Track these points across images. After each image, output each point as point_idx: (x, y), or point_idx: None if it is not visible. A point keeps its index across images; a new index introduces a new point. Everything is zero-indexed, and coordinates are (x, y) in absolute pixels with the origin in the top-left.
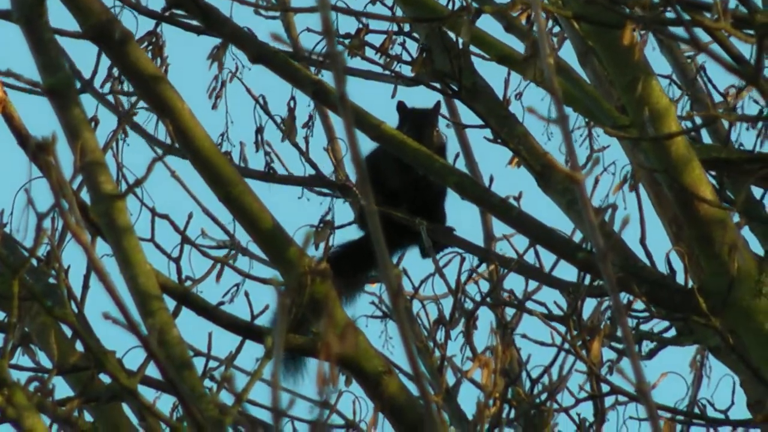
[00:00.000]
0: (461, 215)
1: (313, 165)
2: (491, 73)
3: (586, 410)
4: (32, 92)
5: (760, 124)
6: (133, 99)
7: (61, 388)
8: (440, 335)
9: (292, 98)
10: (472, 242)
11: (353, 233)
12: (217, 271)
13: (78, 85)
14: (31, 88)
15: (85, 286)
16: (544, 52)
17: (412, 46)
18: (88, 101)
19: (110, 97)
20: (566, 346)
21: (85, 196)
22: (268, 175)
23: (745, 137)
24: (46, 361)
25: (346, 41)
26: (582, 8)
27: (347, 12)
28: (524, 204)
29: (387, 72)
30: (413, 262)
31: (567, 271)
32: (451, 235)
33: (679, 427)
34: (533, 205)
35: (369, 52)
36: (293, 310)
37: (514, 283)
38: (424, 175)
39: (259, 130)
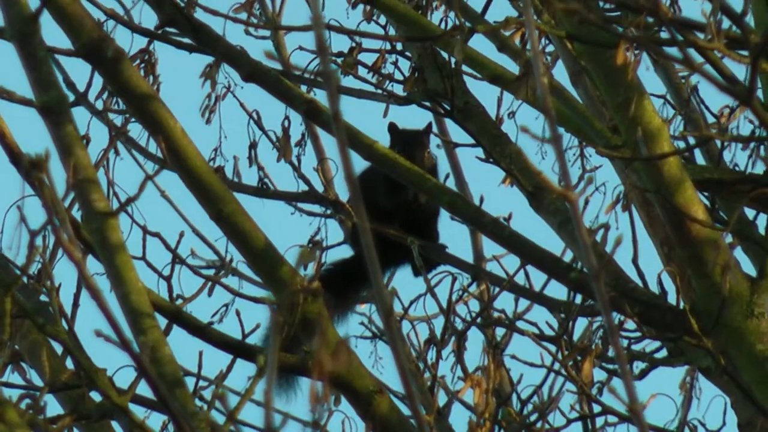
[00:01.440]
0: (451, 235)
1: (306, 181)
2: (484, 92)
3: (577, 431)
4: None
5: (752, 145)
6: (126, 116)
7: (52, 406)
8: (431, 355)
9: (287, 117)
10: (464, 260)
11: (344, 252)
12: (207, 290)
13: (72, 97)
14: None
15: (76, 304)
16: (538, 72)
17: (405, 65)
18: (80, 115)
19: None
20: (557, 366)
21: (75, 213)
22: (261, 191)
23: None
24: (36, 379)
25: (339, 59)
26: (575, 28)
27: (340, 30)
28: (514, 224)
29: (379, 91)
30: (403, 282)
31: (557, 291)
32: (443, 253)
33: None
34: (523, 224)
35: (361, 71)
36: (285, 328)
37: (505, 302)
38: (416, 195)
39: (253, 146)
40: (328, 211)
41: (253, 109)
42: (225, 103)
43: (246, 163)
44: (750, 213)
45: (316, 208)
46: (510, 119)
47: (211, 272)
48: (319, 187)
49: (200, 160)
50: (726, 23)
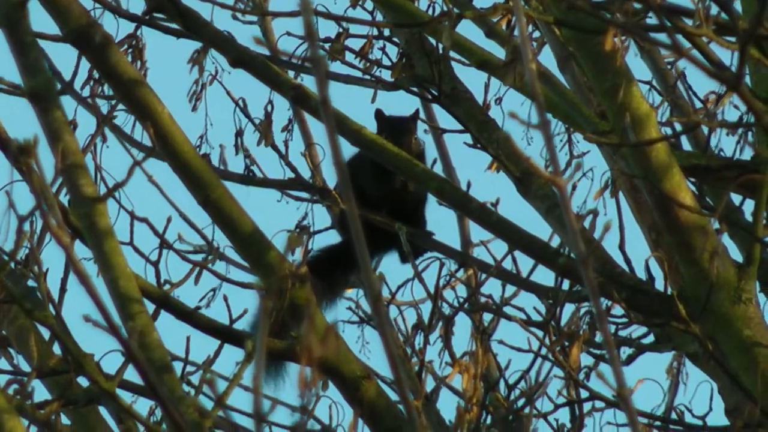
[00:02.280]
0: (439, 220)
1: (293, 168)
2: (471, 78)
3: (564, 416)
4: (12, 95)
5: (740, 131)
6: (113, 102)
7: (39, 392)
8: (419, 340)
9: (270, 102)
10: (452, 247)
11: (332, 238)
12: (195, 275)
13: (58, 86)
14: (12, 90)
15: (63, 289)
16: (527, 58)
17: (392, 51)
18: (67, 103)
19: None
20: (544, 351)
21: (63, 198)
22: (248, 178)
23: (725, 142)
24: (24, 364)
25: (326, 45)
26: (564, 14)
27: (328, 17)
28: (502, 209)
29: (367, 77)
30: (391, 268)
31: (545, 276)
32: (431, 240)
33: None
34: (510, 209)
35: (348, 57)
36: (273, 314)
37: (493, 288)
38: (404, 182)
39: (239, 133)
40: (316, 197)
41: (240, 96)
42: (212, 90)
43: (232, 151)
44: (737, 199)
45: (304, 194)
46: (497, 105)
47: (198, 257)
48: (307, 173)
49: (188, 146)
50: (714, 9)
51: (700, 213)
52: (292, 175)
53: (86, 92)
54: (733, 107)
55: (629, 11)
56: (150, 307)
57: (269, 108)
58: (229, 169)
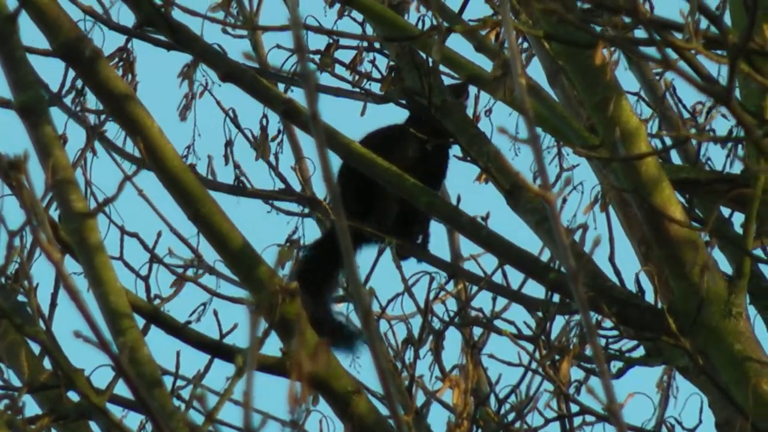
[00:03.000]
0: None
1: (283, 179)
2: None
3: (555, 430)
4: (2, 107)
5: (729, 144)
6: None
7: (30, 407)
8: (409, 355)
9: (265, 116)
10: (442, 259)
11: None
12: (184, 289)
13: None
14: (2, 104)
15: (53, 304)
16: (516, 72)
17: (382, 62)
18: (57, 115)
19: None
20: (534, 365)
21: (53, 213)
22: (238, 189)
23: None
24: (15, 379)
25: (316, 57)
26: (553, 28)
27: (318, 30)
28: (491, 221)
29: (357, 89)
30: (380, 280)
31: (535, 289)
32: (422, 252)
33: None
34: (500, 221)
35: (338, 69)
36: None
37: (483, 301)
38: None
39: (229, 144)
40: (306, 210)
41: (230, 107)
42: (202, 100)
43: (221, 162)
44: (726, 210)
45: (293, 207)
46: (487, 117)
47: (189, 272)
48: (297, 186)
49: (177, 160)
50: (704, 23)
51: (690, 227)
52: (282, 186)
53: (69, 99)
54: (722, 117)
55: (619, 25)
56: (140, 321)
57: (264, 122)
58: (218, 179)
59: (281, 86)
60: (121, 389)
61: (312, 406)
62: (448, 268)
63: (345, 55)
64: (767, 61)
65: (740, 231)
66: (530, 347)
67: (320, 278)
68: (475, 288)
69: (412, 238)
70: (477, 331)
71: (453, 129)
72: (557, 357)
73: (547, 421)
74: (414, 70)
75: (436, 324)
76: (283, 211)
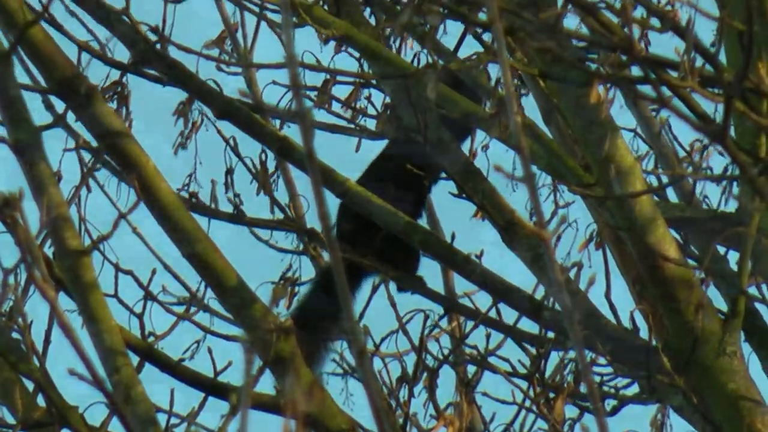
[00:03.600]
0: (421, 270)
1: (282, 209)
2: None
3: None
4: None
5: (724, 182)
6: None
7: None
8: (403, 393)
9: (263, 151)
10: (439, 293)
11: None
12: (180, 325)
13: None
14: None
15: (47, 341)
16: (512, 110)
17: (378, 97)
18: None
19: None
20: (528, 403)
21: (48, 250)
22: (237, 217)
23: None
24: (9, 416)
25: (312, 93)
26: (548, 66)
27: (313, 68)
28: (486, 256)
29: (352, 125)
30: (374, 317)
31: (530, 325)
32: (420, 286)
33: None
34: (495, 257)
35: (334, 105)
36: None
37: (477, 338)
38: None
39: (229, 172)
40: (301, 246)
41: (231, 135)
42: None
43: (221, 189)
44: (721, 249)
45: (288, 244)
46: (483, 152)
47: (183, 308)
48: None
49: (173, 197)
50: (699, 61)
51: (685, 266)
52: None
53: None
54: (719, 154)
55: (615, 63)
56: (134, 359)
57: (263, 156)
58: (219, 206)
59: (277, 121)
60: (116, 427)
61: None
62: (446, 303)
63: (340, 90)
64: (762, 99)
65: (735, 269)
66: (524, 385)
67: (318, 317)
68: (470, 324)
69: (412, 271)
70: (471, 368)
71: (448, 166)
72: (551, 395)
73: None
74: (410, 107)
75: (430, 361)
76: (277, 248)
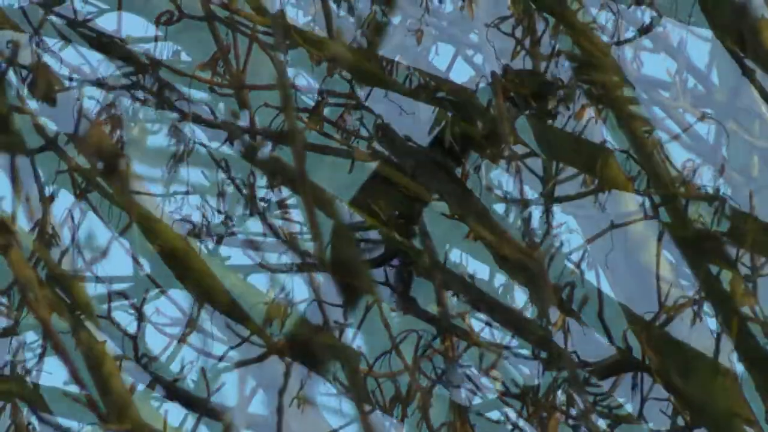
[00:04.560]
0: (415, 289)
1: (275, 232)
2: None
3: None
4: None
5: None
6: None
7: None
8: (397, 413)
9: (252, 173)
10: (432, 313)
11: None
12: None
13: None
14: None
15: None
16: (506, 135)
17: (370, 119)
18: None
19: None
20: (522, 423)
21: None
22: (230, 237)
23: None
24: None
25: (304, 115)
26: (539, 87)
27: (305, 90)
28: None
29: (344, 147)
30: (367, 337)
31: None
32: (414, 306)
33: None
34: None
35: (326, 126)
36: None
37: (470, 358)
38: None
39: (221, 194)
40: (294, 267)
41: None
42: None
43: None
44: (714, 268)
45: (283, 262)
46: (475, 174)
47: (176, 329)
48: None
49: (164, 221)
50: (691, 83)
51: (677, 286)
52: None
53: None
54: (711, 174)
55: (609, 84)
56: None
57: (251, 179)
58: (210, 228)
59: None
60: None
61: None
62: (441, 324)
63: (332, 112)
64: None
65: (728, 289)
66: (518, 404)
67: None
68: (463, 344)
69: (405, 291)
70: (465, 388)
71: (439, 187)
72: (545, 414)
73: None
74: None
75: (424, 382)
76: (270, 268)
